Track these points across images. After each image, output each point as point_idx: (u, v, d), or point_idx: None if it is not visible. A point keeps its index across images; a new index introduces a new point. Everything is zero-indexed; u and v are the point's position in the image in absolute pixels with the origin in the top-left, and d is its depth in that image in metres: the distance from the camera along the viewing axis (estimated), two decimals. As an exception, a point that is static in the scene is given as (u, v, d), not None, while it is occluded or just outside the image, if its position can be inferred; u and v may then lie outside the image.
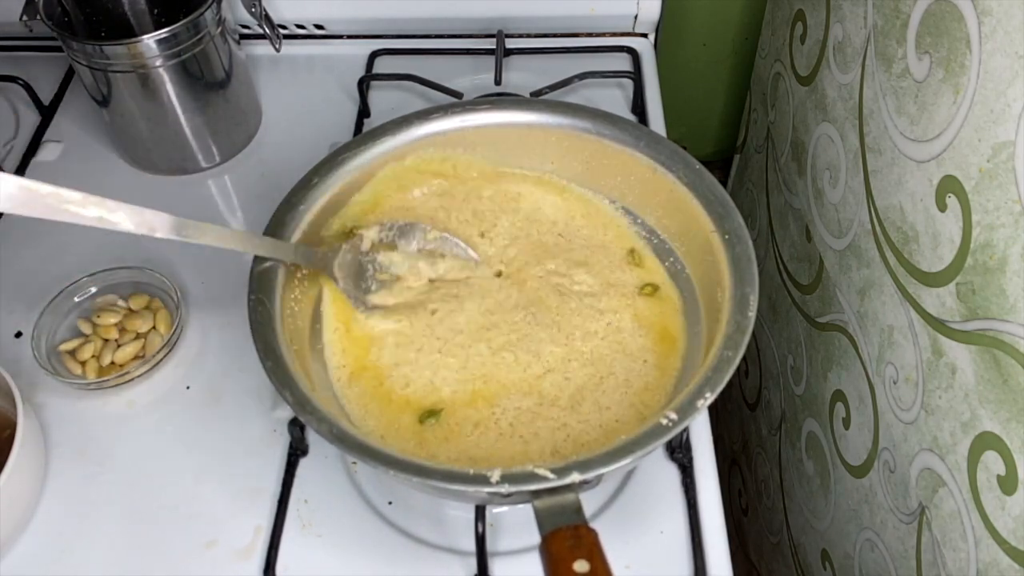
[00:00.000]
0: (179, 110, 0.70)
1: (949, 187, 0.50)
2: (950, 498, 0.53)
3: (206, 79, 0.70)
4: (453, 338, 0.52)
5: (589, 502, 0.52)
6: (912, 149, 0.54)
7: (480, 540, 0.49)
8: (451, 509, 0.54)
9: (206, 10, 0.67)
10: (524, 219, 0.58)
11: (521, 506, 0.44)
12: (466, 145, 0.58)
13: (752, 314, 0.46)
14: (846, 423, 0.69)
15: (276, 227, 0.51)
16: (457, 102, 0.58)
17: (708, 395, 0.43)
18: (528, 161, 0.59)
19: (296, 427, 0.55)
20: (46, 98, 0.80)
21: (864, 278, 0.63)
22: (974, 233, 0.48)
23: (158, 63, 0.66)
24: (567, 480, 0.40)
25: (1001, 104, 0.44)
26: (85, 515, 0.55)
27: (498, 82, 0.79)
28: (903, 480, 0.59)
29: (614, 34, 0.85)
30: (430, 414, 0.49)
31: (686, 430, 0.55)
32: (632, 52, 0.82)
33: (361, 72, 0.81)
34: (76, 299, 0.63)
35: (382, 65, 0.83)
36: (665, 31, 0.99)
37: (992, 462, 0.48)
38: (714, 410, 1.05)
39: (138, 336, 0.61)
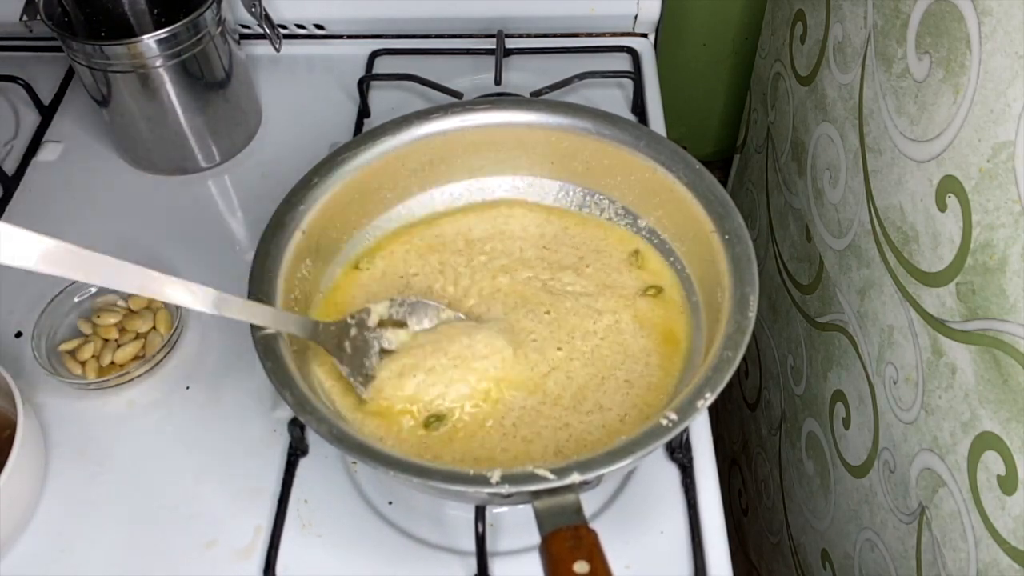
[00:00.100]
0: (179, 110, 0.70)
1: (949, 187, 0.50)
2: (950, 498, 0.53)
3: (206, 79, 0.70)
4: (465, 352, 0.51)
5: (589, 502, 0.52)
6: (912, 149, 0.54)
7: (480, 540, 0.49)
8: (451, 509, 0.54)
9: (206, 10, 0.67)
10: (508, 240, 0.58)
11: (521, 506, 0.44)
12: (466, 145, 0.58)
13: (752, 314, 0.46)
14: (846, 423, 0.69)
15: (276, 227, 0.51)
16: (457, 102, 0.58)
17: (708, 395, 0.43)
18: (528, 161, 0.59)
19: (296, 427, 0.55)
20: (46, 98, 0.80)
21: (864, 278, 0.63)
22: (974, 233, 0.48)
23: (158, 63, 0.66)
24: (567, 480, 0.40)
25: (1001, 104, 0.44)
26: (85, 515, 0.55)
27: (498, 82, 0.79)
28: (903, 480, 0.59)
29: (614, 34, 0.85)
30: (436, 419, 0.49)
31: (686, 430, 0.55)
32: (632, 52, 0.82)
33: (361, 72, 0.81)
34: (76, 299, 0.63)
35: (382, 65, 0.83)
36: (665, 31, 0.99)
37: (992, 462, 0.48)
38: (714, 410, 1.05)
39: (138, 336, 0.61)
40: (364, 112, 0.77)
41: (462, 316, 0.53)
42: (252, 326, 0.46)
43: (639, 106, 0.77)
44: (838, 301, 0.69)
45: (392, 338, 0.52)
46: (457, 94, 0.76)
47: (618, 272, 0.56)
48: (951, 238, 0.50)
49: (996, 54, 0.44)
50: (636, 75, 0.78)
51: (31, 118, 0.80)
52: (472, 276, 0.55)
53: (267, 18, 0.74)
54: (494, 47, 0.81)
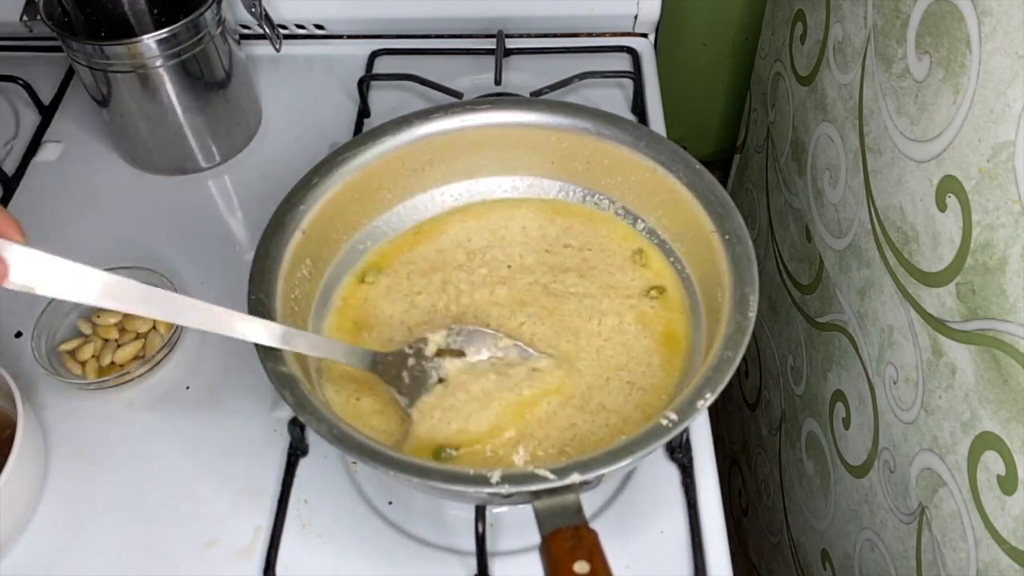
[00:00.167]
0: (179, 110, 0.70)
1: (949, 187, 0.50)
2: (950, 498, 0.53)
3: (206, 79, 0.70)
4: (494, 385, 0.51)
5: (589, 502, 0.52)
6: (912, 149, 0.54)
7: (480, 540, 0.49)
8: (451, 509, 0.54)
9: (206, 10, 0.67)
10: (509, 246, 0.58)
11: (521, 506, 0.44)
12: (466, 145, 0.58)
13: (752, 314, 0.45)
14: (846, 423, 0.69)
15: (276, 227, 0.51)
16: (457, 102, 0.58)
17: (708, 396, 0.43)
18: (529, 161, 0.59)
19: (296, 427, 0.55)
20: (46, 98, 0.80)
21: (864, 278, 0.63)
22: (974, 233, 0.48)
23: (158, 63, 0.66)
24: (567, 481, 0.40)
25: (1001, 104, 0.44)
26: (85, 515, 0.55)
27: (498, 82, 0.79)
28: (903, 480, 0.59)
29: (614, 34, 0.85)
30: (448, 445, 0.48)
31: (686, 430, 0.55)
32: (632, 52, 0.82)
33: (361, 72, 0.81)
34: (76, 299, 0.63)
35: (382, 65, 0.83)
36: (665, 31, 0.99)
37: (992, 462, 0.48)
38: (714, 410, 1.05)
39: (138, 336, 0.61)
40: (364, 112, 0.77)
41: (520, 344, 0.52)
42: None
43: (639, 106, 0.77)
44: (838, 301, 0.69)
45: (450, 367, 0.51)
46: (457, 94, 0.76)
47: (622, 272, 0.56)
48: (951, 238, 0.50)
49: (996, 54, 0.44)
50: (636, 75, 0.78)
51: (31, 118, 0.80)
52: (472, 295, 0.55)
53: (267, 18, 0.74)
54: (494, 47, 0.81)
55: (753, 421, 0.98)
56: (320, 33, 0.85)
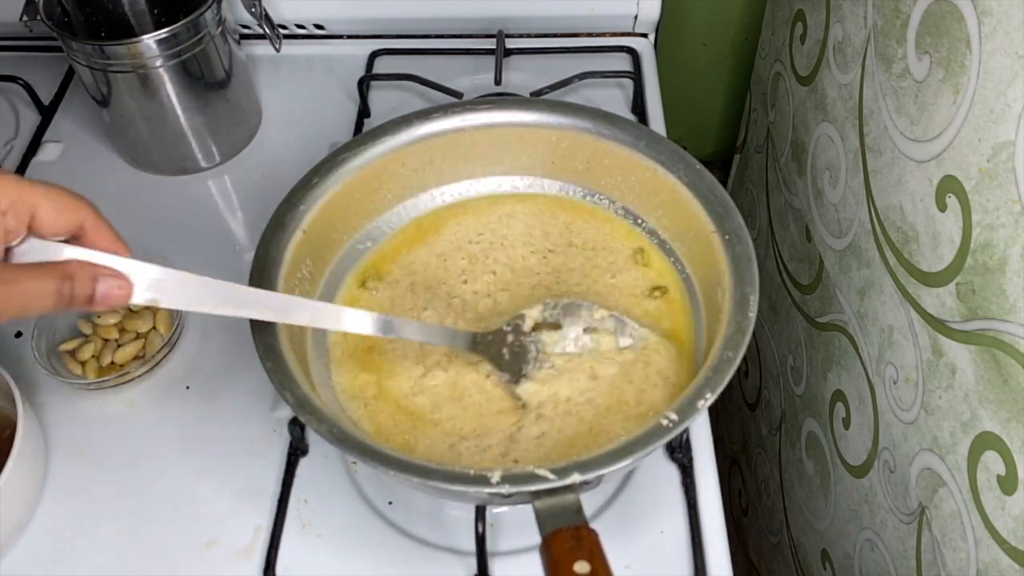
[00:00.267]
0: (179, 110, 0.70)
1: (949, 187, 0.50)
2: (950, 498, 0.53)
3: (206, 79, 0.70)
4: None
5: (589, 502, 0.52)
6: (912, 149, 0.54)
7: (480, 540, 0.49)
8: (451, 509, 0.54)
9: (206, 10, 0.67)
10: (511, 248, 0.58)
11: (521, 506, 0.44)
12: (466, 145, 0.58)
13: (752, 314, 0.45)
14: (846, 423, 0.69)
15: (276, 227, 0.51)
16: (457, 102, 0.58)
17: (708, 396, 0.43)
18: (529, 161, 0.59)
19: (296, 427, 0.55)
20: (46, 98, 0.80)
21: (864, 278, 0.63)
22: (974, 233, 0.48)
23: (158, 63, 0.66)
24: (567, 481, 0.40)
25: (1001, 104, 0.44)
26: (85, 515, 0.55)
27: (498, 82, 0.79)
28: (903, 480, 0.59)
29: (614, 34, 0.85)
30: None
31: (686, 430, 0.55)
32: (632, 52, 0.82)
33: (361, 72, 0.81)
34: (76, 299, 0.63)
35: (382, 65, 0.83)
36: (665, 31, 0.99)
37: (992, 462, 0.48)
38: (714, 410, 1.05)
39: (138, 336, 0.61)
40: (364, 112, 0.77)
41: (615, 314, 0.52)
42: (252, 324, 0.46)
43: (639, 106, 0.77)
44: (838, 301, 0.69)
45: (548, 340, 0.52)
46: (457, 94, 0.76)
47: (624, 271, 0.56)
48: (951, 238, 0.50)
49: (996, 54, 0.44)
50: (636, 75, 0.78)
51: (31, 118, 0.80)
52: (476, 307, 0.55)
53: (267, 18, 0.74)
54: (494, 47, 0.81)
55: (753, 421, 0.98)
56: (320, 33, 0.85)
